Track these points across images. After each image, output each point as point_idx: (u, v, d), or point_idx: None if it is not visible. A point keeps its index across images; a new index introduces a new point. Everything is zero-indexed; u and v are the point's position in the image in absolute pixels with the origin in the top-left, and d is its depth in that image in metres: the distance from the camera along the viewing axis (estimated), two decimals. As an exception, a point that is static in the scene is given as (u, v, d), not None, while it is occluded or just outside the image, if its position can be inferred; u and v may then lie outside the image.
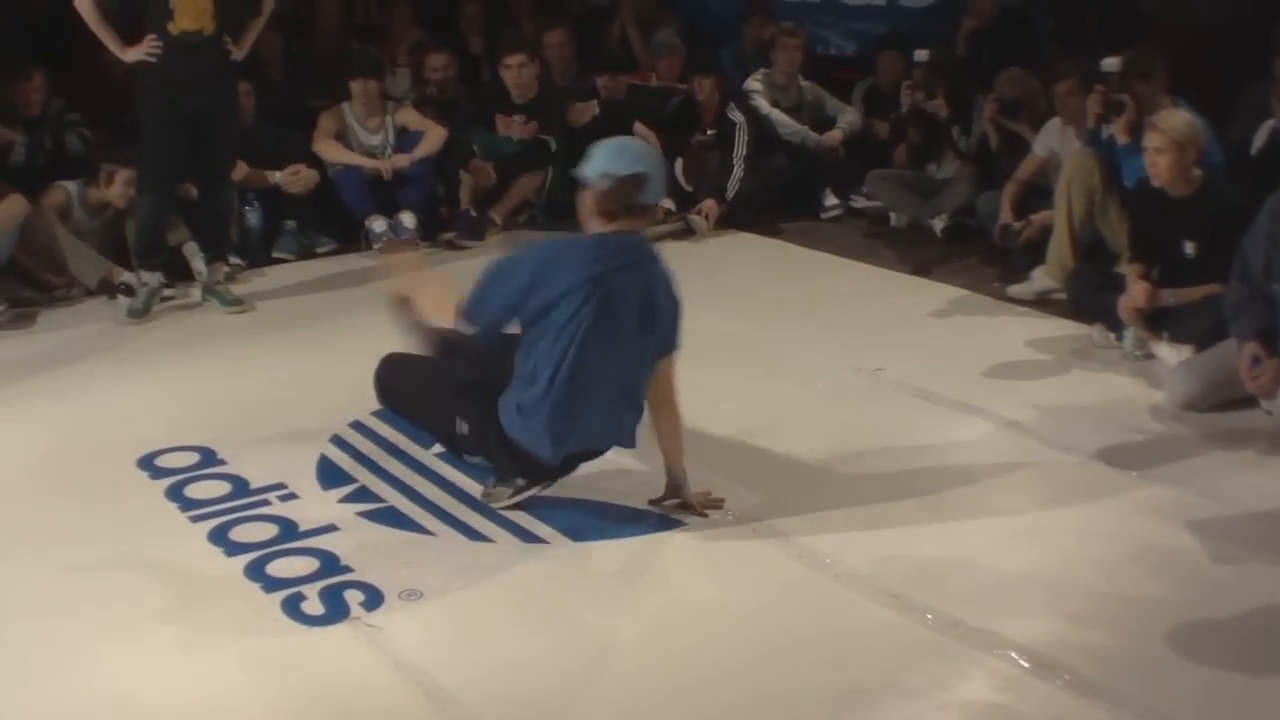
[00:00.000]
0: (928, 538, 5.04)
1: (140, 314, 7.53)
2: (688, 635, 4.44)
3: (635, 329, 4.98)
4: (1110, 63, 7.44)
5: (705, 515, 5.19)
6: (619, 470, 5.52)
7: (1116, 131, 7.33)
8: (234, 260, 8.19)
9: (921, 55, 9.15)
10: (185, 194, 7.87)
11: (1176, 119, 6.60)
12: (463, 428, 5.20)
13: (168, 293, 7.88)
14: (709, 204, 9.29)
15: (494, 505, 5.25)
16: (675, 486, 5.23)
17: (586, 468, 5.35)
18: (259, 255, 8.66)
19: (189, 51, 7.29)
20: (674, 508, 5.22)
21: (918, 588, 4.64)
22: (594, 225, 5.04)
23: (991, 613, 4.49)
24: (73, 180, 8.12)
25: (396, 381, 5.42)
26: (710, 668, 4.26)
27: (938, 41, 9.94)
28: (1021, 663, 4.23)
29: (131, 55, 7.32)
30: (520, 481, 5.22)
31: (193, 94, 7.35)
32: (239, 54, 7.57)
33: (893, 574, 4.74)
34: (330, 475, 5.57)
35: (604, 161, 4.98)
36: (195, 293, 7.96)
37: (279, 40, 10.19)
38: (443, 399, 5.26)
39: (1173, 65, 7.51)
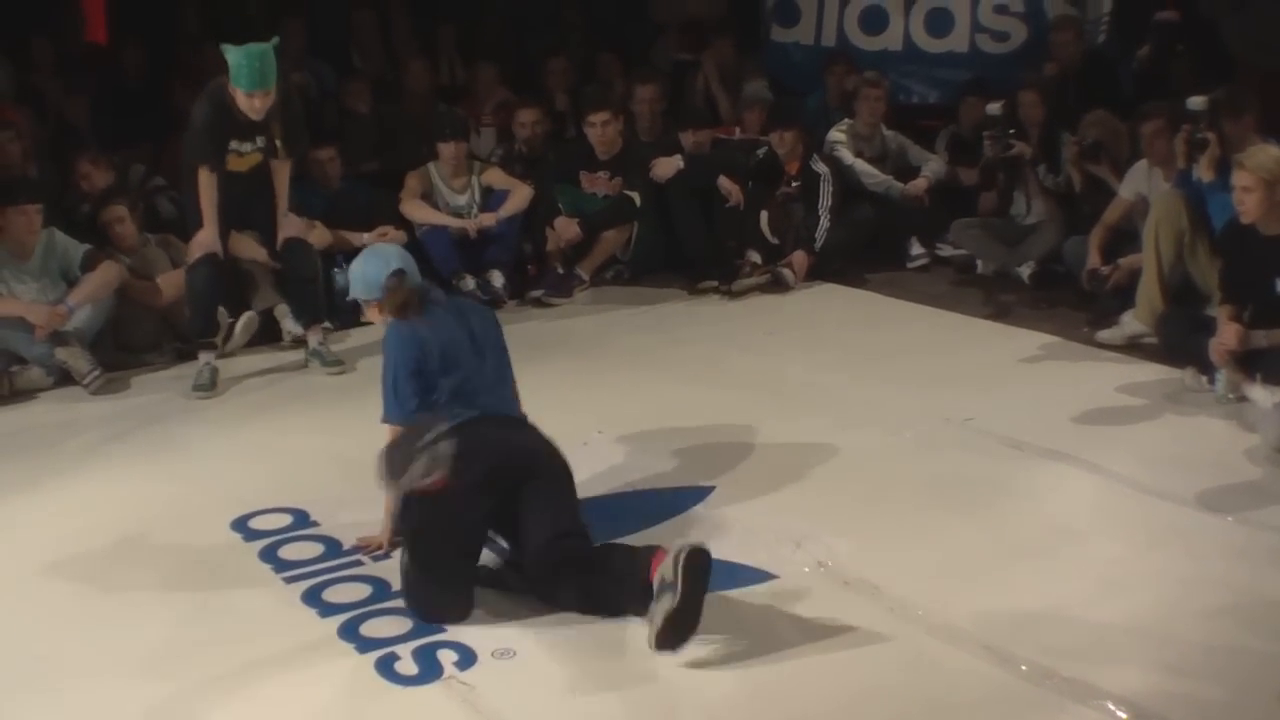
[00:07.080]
0: (1021, 588, 5.00)
1: (207, 389, 7.50)
2: (784, 691, 4.42)
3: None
4: (1197, 101, 7.35)
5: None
6: (705, 524, 5.54)
7: (1201, 169, 7.27)
8: (324, 325, 8.27)
9: (994, 109, 9.05)
10: (269, 262, 8.11)
11: (1264, 156, 6.53)
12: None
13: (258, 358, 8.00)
14: (798, 256, 9.26)
15: None
16: None
17: (676, 524, 5.48)
18: (348, 317, 8.72)
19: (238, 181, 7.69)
20: None
21: (1012, 639, 4.60)
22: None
23: (1087, 663, 4.44)
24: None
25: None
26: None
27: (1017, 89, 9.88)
28: (1119, 714, 4.18)
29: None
30: None
31: (239, 204, 7.75)
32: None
33: (987, 625, 4.70)
34: (422, 535, 5.59)
35: (362, 283, 5.55)
36: (286, 355, 8.08)
37: (368, 100, 10.45)
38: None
39: (1263, 105, 7.45)
